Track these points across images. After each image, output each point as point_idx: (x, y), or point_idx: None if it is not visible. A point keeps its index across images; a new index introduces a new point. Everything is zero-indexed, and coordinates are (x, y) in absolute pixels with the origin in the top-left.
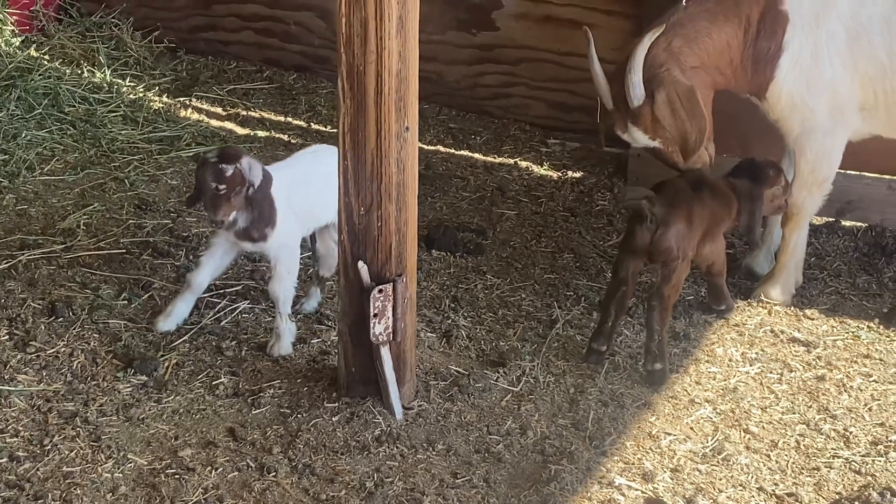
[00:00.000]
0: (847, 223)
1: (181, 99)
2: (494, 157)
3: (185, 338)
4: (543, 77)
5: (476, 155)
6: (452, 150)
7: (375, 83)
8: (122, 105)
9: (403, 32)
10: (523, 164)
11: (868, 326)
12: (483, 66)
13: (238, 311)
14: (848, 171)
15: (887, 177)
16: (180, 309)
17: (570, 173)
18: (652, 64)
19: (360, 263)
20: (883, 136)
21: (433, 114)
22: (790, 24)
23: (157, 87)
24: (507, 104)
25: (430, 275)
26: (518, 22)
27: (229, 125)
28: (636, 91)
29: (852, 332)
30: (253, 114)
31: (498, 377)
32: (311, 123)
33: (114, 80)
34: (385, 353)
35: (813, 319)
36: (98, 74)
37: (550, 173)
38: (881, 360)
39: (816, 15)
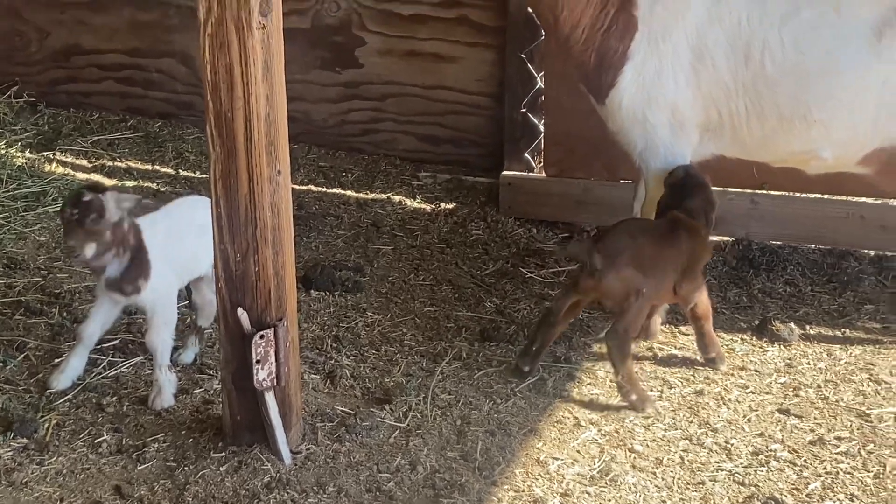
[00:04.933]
0: (714, 238)
1: (45, 153)
2: (367, 193)
3: (66, 397)
4: (411, 111)
5: (348, 192)
6: (324, 189)
7: (244, 129)
8: None
9: (270, 76)
10: (396, 198)
11: (742, 339)
12: (350, 102)
13: (117, 365)
14: (712, 188)
15: (749, 191)
16: (74, 364)
17: (443, 205)
18: None
19: (240, 310)
20: (727, 155)
21: (303, 153)
22: (638, 33)
23: (19, 143)
24: (376, 140)
25: (311, 315)
26: (382, 58)
27: (96, 177)
28: None
29: (727, 345)
30: (119, 164)
31: (385, 414)
32: (180, 170)
33: None
34: (270, 398)
35: (688, 335)
36: None
37: (424, 206)
38: (756, 370)
39: (664, 30)
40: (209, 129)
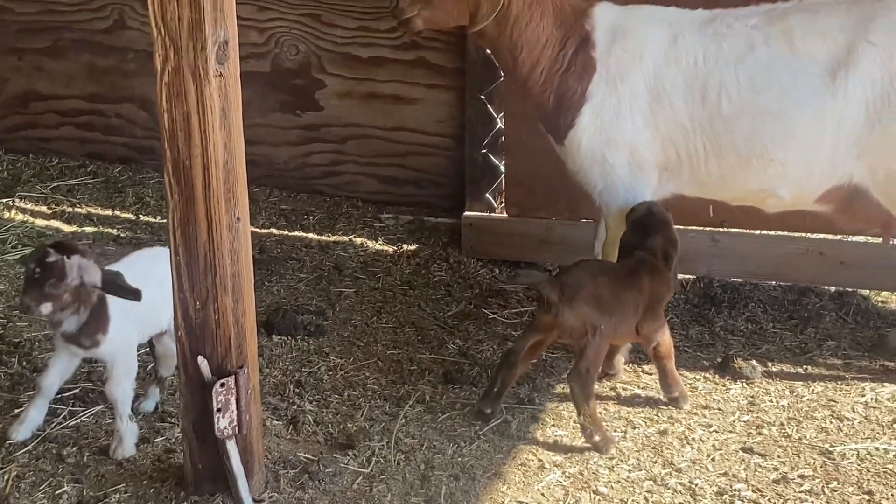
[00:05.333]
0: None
1: (4, 200)
2: (329, 236)
3: (25, 448)
4: (371, 153)
5: (310, 235)
6: (286, 232)
7: (203, 176)
8: None
9: (227, 124)
10: (358, 240)
11: (704, 377)
12: (310, 145)
13: (77, 415)
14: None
15: (710, 229)
16: (33, 415)
17: (405, 246)
18: None
19: (200, 358)
20: (686, 194)
21: (264, 196)
22: (596, 74)
23: None
24: (337, 182)
25: (273, 361)
26: (342, 100)
27: (56, 223)
28: None
29: (689, 384)
30: (79, 210)
31: (348, 460)
32: (140, 215)
33: None
34: (231, 447)
35: (651, 374)
36: None
37: (386, 248)
38: (719, 409)
39: (622, 71)
40: (167, 177)
